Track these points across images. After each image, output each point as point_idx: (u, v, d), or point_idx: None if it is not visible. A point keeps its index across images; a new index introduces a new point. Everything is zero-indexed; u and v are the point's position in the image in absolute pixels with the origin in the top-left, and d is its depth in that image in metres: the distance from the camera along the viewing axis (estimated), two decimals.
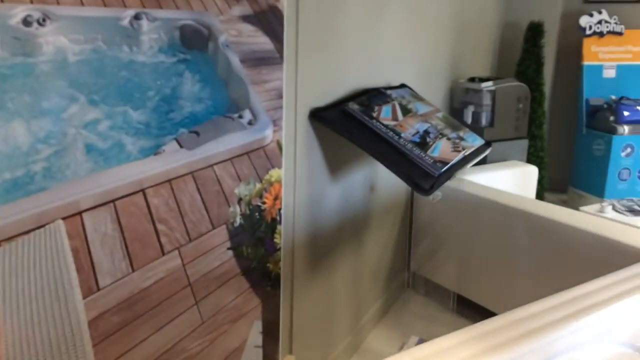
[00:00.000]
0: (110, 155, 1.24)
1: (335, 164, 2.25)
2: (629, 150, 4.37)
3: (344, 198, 2.35)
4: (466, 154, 2.18)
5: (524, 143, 3.63)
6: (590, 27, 4.58)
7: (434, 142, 2.13)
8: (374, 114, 2.11)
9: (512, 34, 4.62)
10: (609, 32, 4.59)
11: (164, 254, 1.43)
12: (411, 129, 2.14)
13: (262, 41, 1.71)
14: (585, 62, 4.61)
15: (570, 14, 4.80)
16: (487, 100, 3.45)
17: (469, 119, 3.52)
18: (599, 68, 4.66)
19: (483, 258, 2.74)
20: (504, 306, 2.63)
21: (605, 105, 4.53)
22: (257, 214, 1.80)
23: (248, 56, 1.66)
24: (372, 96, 2.24)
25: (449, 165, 2.04)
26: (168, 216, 1.42)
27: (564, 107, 4.86)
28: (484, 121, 3.49)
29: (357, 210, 2.51)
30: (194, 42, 1.44)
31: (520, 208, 2.55)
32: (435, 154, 2.06)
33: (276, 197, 1.89)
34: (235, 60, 1.60)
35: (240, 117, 1.66)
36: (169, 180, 1.42)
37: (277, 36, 1.77)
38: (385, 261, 2.93)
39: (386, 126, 2.06)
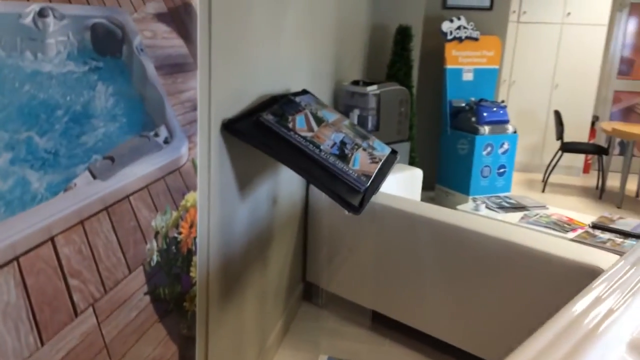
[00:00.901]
0: (11, 199, 0.92)
1: (245, 179, 2.03)
2: (489, 149, 4.69)
3: (251, 216, 2.14)
4: (382, 165, 2.10)
5: (406, 146, 3.69)
6: (451, 33, 4.82)
7: (352, 154, 2.01)
8: (290, 125, 1.93)
9: (381, 37, 4.70)
10: (467, 38, 4.88)
11: (77, 315, 1.12)
12: (328, 140, 2.00)
13: (177, 44, 1.44)
14: (448, 66, 4.85)
15: (431, 19, 5.02)
16: (372, 104, 3.44)
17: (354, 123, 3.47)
18: (459, 71, 4.93)
19: (387, 267, 2.70)
20: (415, 318, 2.61)
21: (466, 107, 4.80)
22: (173, 247, 1.53)
23: (163, 62, 1.38)
24: (284, 104, 2.06)
25: (372, 178, 1.93)
26: (81, 266, 1.12)
27: (429, 108, 5.07)
28: (370, 125, 3.47)
29: (262, 227, 2.31)
30: (107, 46, 1.14)
31: (422, 214, 2.54)
32: (357, 167, 1.94)
33: (192, 225, 1.63)
34: (150, 67, 1.32)
35: (157, 135, 1.39)
36: (82, 222, 1.11)
37: (191, 38, 1.51)
38: (285, 276, 2.77)
39: (304, 138, 1.90)
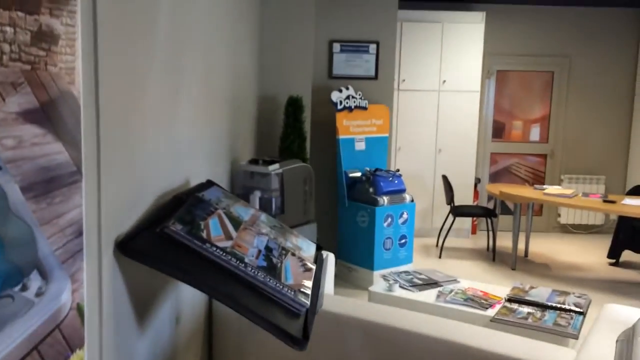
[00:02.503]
0: None
1: (145, 306, 1.57)
2: (389, 220, 4.53)
3: (153, 345, 1.66)
4: (315, 271, 1.75)
5: (313, 228, 3.38)
6: (341, 102, 4.71)
7: (281, 263, 1.64)
8: (204, 234, 1.52)
9: (271, 109, 4.44)
10: (356, 107, 4.78)
11: None
12: (251, 248, 1.61)
13: (53, 150, 1.01)
14: (340, 136, 4.70)
15: (319, 89, 4.88)
16: (275, 185, 3.11)
17: (256, 206, 3.11)
18: (352, 141, 4.80)
19: None
20: None
21: (363, 178, 4.65)
22: None
23: (34, 179, 0.94)
24: (192, 207, 1.65)
25: (310, 293, 1.57)
26: None
27: (324, 180, 4.84)
28: (274, 207, 3.12)
29: (165, 355, 1.83)
30: None
31: (352, 315, 2.20)
32: (290, 281, 1.57)
33: None
34: (13, 192, 0.88)
35: (24, 288, 0.93)
36: None
37: (73, 140, 1.09)
38: None
39: (224, 250, 1.50)
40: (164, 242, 1.43)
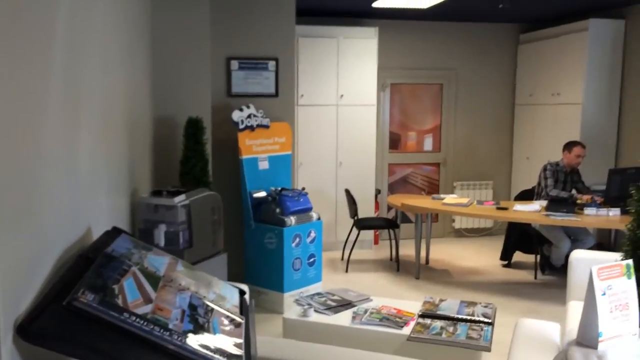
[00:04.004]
0: None
1: None
2: (298, 240, 4.46)
3: None
4: (245, 324, 1.62)
5: (224, 259, 3.22)
6: (242, 122, 4.57)
7: (209, 323, 1.50)
8: (119, 301, 1.35)
9: (169, 131, 4.21)
10: (258, 126, 4.67)
11: None
12: (174, 309, 1.46)
13: None
14: (243, 156, 4.56)
15: (218, 108, 4.71)
16: (182, 217, 2.92)
17: (161, 241, 2.90)
18: (255, 160, 4.67)
19: None
20: None
21: (269, 198, 4.54)
22: None
23: None
24: (101, 267, 1.46)
25: (243, 354, 1.44)
26: None
27: (228, 202, 4.65)
28: (181, 241, 2.92)
29: None
30: None
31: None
32: (221, 346, 1.43)
33: None
34: None
35: None
36: None
37: None
38: None
39: (145, 318, 1.34)
40: (73, 318, 1.24)
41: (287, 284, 4.41)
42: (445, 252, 6.38)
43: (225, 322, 1.56)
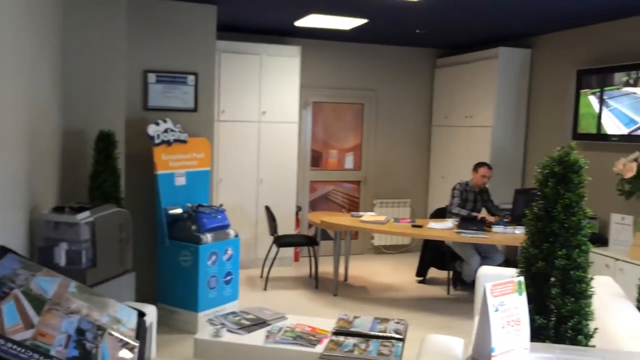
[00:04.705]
0: None
1: None
2: (214, 258, 4.38)
3: None
4: (139, 347, 1.56)
5: (131, 278, 3.09)
6: (158, 136, 4.46)
7: (97, 348, 1.43)
8: None
9: (77, 145, 4.03)
10: (175, 141, 4.57)
11: None
12: (58, 334, 1.38)
13: None
14: (159, 171, 4.44)
15: (134, 122, 4.57)
16: (85, 235, 2.78)
17: (62, 261, 2.75)
18: (171, 176, 4.56)
19: None
20: None
21: (185, 215, 4.43)
22: None
23: None
24: None
25: None
26: None
27: (141, 219, 4.50)
28: (84, 260, 2.78)
29: None
30: None
31: None
32: None
33: None
34: None
35: None
36: None
37: None
38: None
39: (22, 345, 1.26)
40: None
41: (201, 303, 4.30)
42: (364, 269, 6.48)
43: (117, 347, 1.49)
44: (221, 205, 4.64)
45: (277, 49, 6.24)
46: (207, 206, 4.54)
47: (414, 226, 5.32)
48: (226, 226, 4.53)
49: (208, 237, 4.34)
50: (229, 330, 3.43)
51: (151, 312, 2.83)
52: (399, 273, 6.35)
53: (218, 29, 5.09)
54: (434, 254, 5.90)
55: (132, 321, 1.73)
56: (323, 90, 6.98)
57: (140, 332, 1.70)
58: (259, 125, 6.21)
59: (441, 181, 7.06)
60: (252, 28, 6.23)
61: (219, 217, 4.50)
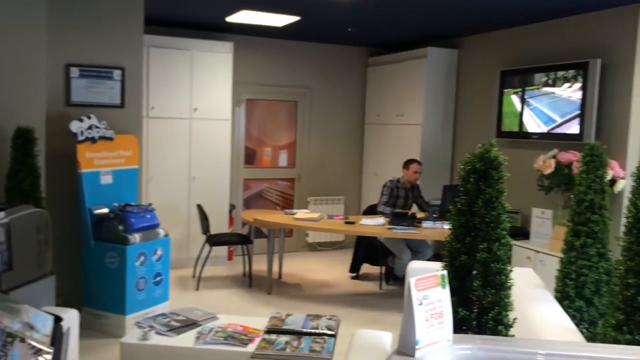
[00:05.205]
0: None
1: None
2: (142, 258, 4.25)
3: None
4: (55, 351, 1.49)
5: (51, 282, 2.95)
6: (82, 133, 4.28)
7: (6, 356, 1.35)
8: None
9: None
10: (101, 138, 4.40)
11: None
12: None
13: None
14: (83, 170, 4.26)
15: (55, 117, 4.35)
16: (0, 237, 2.63)
17: None
18: (97, 175, 4.39)
19: None
20: None
21: (111, 215, 4.28)
22: None
23: None
24: None
25: None
26: None
27: (63, 219, 4.30)
28: None
29: None
30: None
31: None
32: None
33: None
34: None
35: None
36: None
37: None
38: None
39: None
40: None
41: (129, 306, 4.17)
42: (298, 266, 6.48)
43: (29, 353, 1.42)
44: (150, 204, 4.51)
45: (208, 44, 6.13)
46: (135, 205, 4.40)
47: (347, 223, 5.37)
48: (155, 226, 4.41)
49: (136, 237, 4.21)
50: (157, 333, 3.34)
51: (71, 317, 2.71)
52: (332, 270, 6.40)
53: (147, 22, 4.93)
54: (367, 250, 5.99)
55: (47, 327, 1.65)
56: (257, 88, 6.93)
57: (56, 338, 1.62)
58: (190, 122, 6.08)
59: (374, 178, 7.17)
60: (182, 23, 6.09)
61: (148, 216, 4.38)
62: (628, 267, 2.40)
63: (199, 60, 6.06)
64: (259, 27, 6.07)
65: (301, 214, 5.64)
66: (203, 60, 6.08)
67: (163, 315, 3.66)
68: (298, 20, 5.61)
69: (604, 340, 2.55)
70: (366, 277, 6.08)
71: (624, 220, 2.52)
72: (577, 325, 2.82)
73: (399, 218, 5.24)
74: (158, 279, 4.40)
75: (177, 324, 3.49)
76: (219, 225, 6.12)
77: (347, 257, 6.49)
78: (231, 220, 6.46)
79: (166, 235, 4.48)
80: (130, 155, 4.66)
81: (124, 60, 4.73)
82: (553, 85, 5.07)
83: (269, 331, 3.42)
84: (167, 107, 5.96)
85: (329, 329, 3.46)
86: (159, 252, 4.39)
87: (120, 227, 4.21)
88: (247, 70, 6.75)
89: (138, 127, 4.85)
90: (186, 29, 6.30)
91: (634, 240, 2.39)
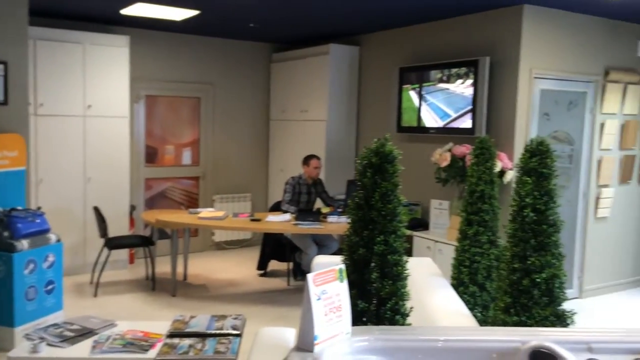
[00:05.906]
0: None
1: None
2: (32, 266, 3.97)
3: None
4: None
5: None
6: None
7: None
8: None
9: None
10: None
11: None
12: None
13: None
14: None
15: None
16: None
17: None
18: None
19: None
20: None
21: None
22: None
23: None
24: None
25: None
26: None
27: None
28: None
29: None
30: None
31: None
32: None
33: None
34: None
35: None
36: None
37: None
38: None
39: None
40: None
41: (18, 317, 3.88)
42: (204, 266, 6.35)
43: None
44: (39, 208, 4.22)
45: (102, 38, 5.83)
46: (22, 210, 4.10)
47: (252, 220, 5.32)
48: (46, 230, 4.13)
49: (24, 244, 3.92)
50: (48, 344, 3.12)
51: None
52: (240, 268, 6.33)
53: (32, 13, 4.60)
54: (274, 247, 5.97)
55: None
56: (157, 84, 6.68)
57: None
58: (84, 119, 5.76)
59: (280, 174, 7.16)
60: (73, 15, 5.74)
61: (37, 221, 4.09)
62: (514, 253, 2.55)
63: (92, 54, 5.75)
64: (156, 21, 5.85)
65: (206, 212, 5.52)
66: (97, 54, 5.77)
67: (55, 325, 3.43)
68: (197, 15, 5.47)
69: (495, 322, 2.70)
70: (274, 274, 6.06)
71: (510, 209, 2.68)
72: (471, 309, 2.97)
73: (304, 214, 5.27)
74: (50, 287, 4.13)
75: (71, 334, 3.28)
76: (119, 227, 5.85)
77: (254, 254, 6.44)
78: (132, 221, 6.20)
79: (58, 241, 4.21)
80: (16, 156, 4.33)
81: (7, 53, 4.39)
82: (447, 81, 5.30)
83: (171, 335, 3.30)
84: (58, 103, 5.60)
85: (234, 329, 3.41)
86: (51, 259, 4.12)
87: (6, 234, 3.90)
88: (145, 66, 6.49)
89: (24, 125, 4.53)
90: (78, 21, 5.95)
91: (518, 227, 2.55)
